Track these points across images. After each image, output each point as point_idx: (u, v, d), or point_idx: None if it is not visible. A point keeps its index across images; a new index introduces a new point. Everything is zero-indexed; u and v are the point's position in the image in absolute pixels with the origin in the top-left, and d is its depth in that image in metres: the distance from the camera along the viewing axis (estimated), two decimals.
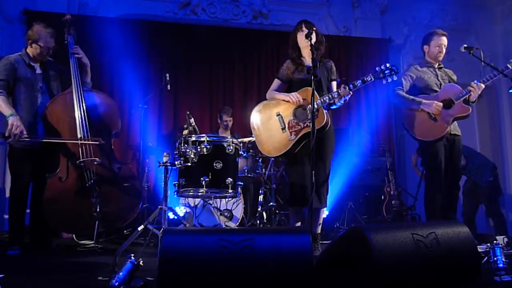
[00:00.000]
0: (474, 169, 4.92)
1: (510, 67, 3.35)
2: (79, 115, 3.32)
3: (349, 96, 3.02)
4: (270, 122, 3.17)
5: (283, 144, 3.09)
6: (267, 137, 3.17)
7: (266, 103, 3.28)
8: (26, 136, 3.10)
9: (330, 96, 3.02)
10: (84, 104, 3.35)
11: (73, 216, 3.24)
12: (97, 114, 3.46)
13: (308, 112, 3.02)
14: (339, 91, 3.01)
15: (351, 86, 3.00)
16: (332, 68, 3.28)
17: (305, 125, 3.05)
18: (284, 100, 3.16)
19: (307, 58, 3.22)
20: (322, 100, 3.01)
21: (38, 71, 3.38)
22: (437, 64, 3.72)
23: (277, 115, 3.16)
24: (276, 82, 3.32)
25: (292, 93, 3.12)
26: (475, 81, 3.46)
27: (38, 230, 3.43)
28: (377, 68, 3.04)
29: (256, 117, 3.25)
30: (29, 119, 3.26)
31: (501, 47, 6.76)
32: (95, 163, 3.28)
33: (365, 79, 3.01)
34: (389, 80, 3.02)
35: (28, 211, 3.43)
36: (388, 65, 3.02)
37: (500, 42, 6.80)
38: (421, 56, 3.83)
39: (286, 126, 3.11)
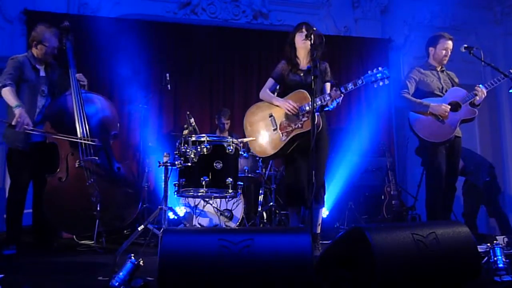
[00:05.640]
0: (471, 170, 4.92)
1: None
2: (78, 116, 3.35)
3: (341, 98, 3.05)
4: (263, 123, 3.22)
5: (275, 144, 3.14)
6: (258, 137, 3.22)
7: (260, 104, 3.31)
8: (31, 128, 3.13)
9: (322, 98, 3.06)
10: (83, 106, 3.39)
11: (73, 215, 3.27)
12: (96, 116, 3.50)
13: (299, 114, 3.08)
14: (331, 94, 3.05)
15: (342, 88, 3.02)
16: (327, 69, 3.30)
17: (296, 126, 3.09)
18: (278, 106, 3.17)
19: (302, 59, 3.26)
20: (315, 104, 3.01)
21: (42, 73, 3.41)
22: (440, 67, 3.73)
23: (270, 116, 3.21)
24: (270, 82, 3.32)
25: (288, 101, 3.09)
26: (480, 85, 3.50)
27: (41, 230, 3.45)
28: (369, 72, 3.05)
29: (249, 118, 3.30)
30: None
31: (501, 47, 6.76)
32: (95, 163, 3.31)
33: (357, 82, 3.02)
34: (380, 83, 3.03)
35: (31, 211, 3.46)
36: (380, 68, 3.03)
37: (500, 42, 6.80)
38: (421, 56, 3.84)
39: (278, 127, 3.15)
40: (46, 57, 3.38)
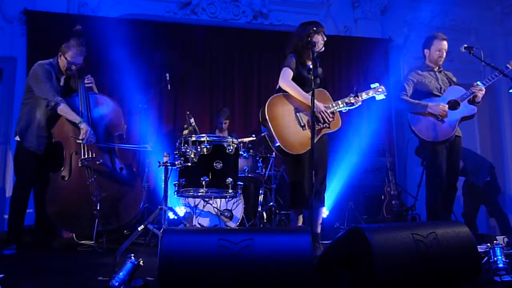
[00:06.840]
0: (471, 170, 4.92)
1: (510, 67, 3.41)
2: (84, 118, 3.40)
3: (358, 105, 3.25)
4: (289, 119, 3.06)
5: (307, 142, 2.98)
6: (287, 133, 3.02)
7: (284, 96, 3.11)
8: (97, 144, 3.35)
9: (344, 102, 3.18)
10: (89, 108, 3.46)
11: (75, 214, 3.30)
12: (103, 118, 3.56)
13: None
14: (351, 100, 3.18)
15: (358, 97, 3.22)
16: None
17: (323, 126, 3.12)
18: (306, 104, 3.06)
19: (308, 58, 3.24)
20: (337, 105, 3.16)
21: (61, 83, 3.49)
22: (437, 67, 3.73)
23: (296, 112, 3.08)
24: (290, 73, 3.10)
25: (321, 106, 3.07)
26: (478, 82, 3.49)
27: (41, 230, 3.46)
28: (371, 86, 3.36)
29: (272, 110, 3.05)
30: (43, 123, 3.36)
31: (501, 47, 6.75)
32: (97, 162, 3.36)
33: (368, 93, 3.33)
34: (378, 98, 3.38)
35: (32, 210, 3.48)
36: (378, 84, 3.37)
37: (500, 42, 6.79)
38: (421, 56, 3.83)
39: (306, 124, 3.07)
40: (66, 70, 3.45)
